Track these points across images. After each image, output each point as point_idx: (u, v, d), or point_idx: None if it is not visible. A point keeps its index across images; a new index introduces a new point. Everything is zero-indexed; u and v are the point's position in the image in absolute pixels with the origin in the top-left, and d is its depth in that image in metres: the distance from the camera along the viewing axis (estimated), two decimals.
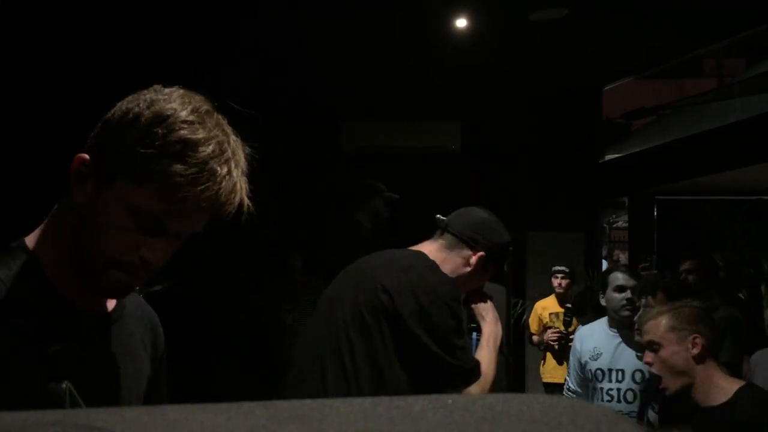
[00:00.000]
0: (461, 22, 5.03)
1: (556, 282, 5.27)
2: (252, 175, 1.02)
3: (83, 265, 0.99)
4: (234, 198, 0.97)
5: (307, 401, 0.37)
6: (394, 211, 4.23)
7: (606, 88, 6.97)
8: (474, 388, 2.00)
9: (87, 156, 0.98)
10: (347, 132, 7.00)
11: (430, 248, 2.11)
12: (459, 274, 2.06)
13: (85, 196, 0.98)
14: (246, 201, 1.00)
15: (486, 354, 2.11)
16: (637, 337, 2.62)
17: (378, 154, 6.92)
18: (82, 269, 0.99)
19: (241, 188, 0.98)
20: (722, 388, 2.02)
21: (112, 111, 1.00)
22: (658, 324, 2.11)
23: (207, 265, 5.75)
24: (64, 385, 0.91)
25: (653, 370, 2.14)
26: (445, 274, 2.01)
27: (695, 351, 2.04)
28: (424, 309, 1.90)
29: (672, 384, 2.08)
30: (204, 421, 0.35)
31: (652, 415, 2.68)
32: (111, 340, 1.07)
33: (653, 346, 2.11)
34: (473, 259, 2.07)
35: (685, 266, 4.03)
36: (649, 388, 2.73)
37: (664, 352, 2.07)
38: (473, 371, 2.01)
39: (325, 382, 1.90)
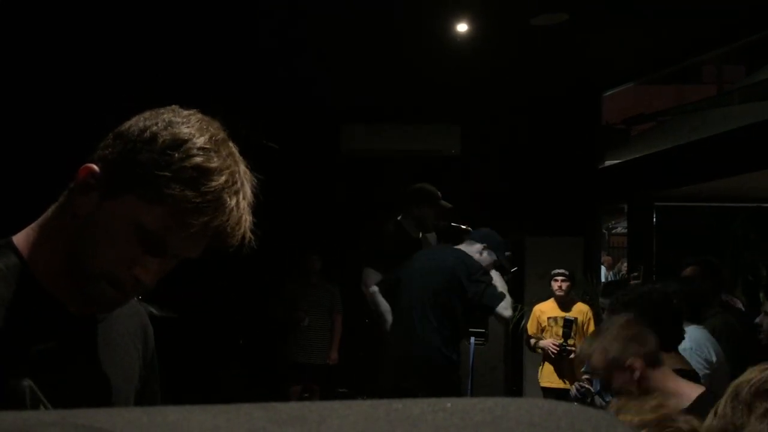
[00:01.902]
0: (462, 27, 5.04)
1: (556, 285, 5.24)
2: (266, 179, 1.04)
3: (76, 274, 0.99)
4: (238, 230, 0.98)
5: (307, 403, 0.37)
6: (445, 219, 4.20)
7: (606, 94, 6.98)
8: (506, 303, 3.58)
9: (96, 167, 0.98)
10: (346, 135, 7.00)
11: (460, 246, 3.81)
12: None
13: (89, 206, 0.97)
14: (248, 234, 1.01)
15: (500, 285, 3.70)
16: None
17: (378, 157, 6.93)
18: (73, 277, 0.99)
19: (246, 220, 1.00)
20: (683, 394, 2.03)
21: (128, 125, 1.00)
22: (596, 360, 2.11)
23: (220, 267, 5.77)
24: (25, 383, 0.90)
25: None
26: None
27: (637, 374, 2.05)
28: (471, 274, 3.58)
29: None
30: (203, 423, 0.35)
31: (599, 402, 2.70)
32: (99, 338, 1.06)
33: (605, 381, 2.11)
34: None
35: (685, 273, 4.01)
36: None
37: (615, 383, 2.07)
38: (501, 295, 3.59)
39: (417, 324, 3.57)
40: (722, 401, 1.32)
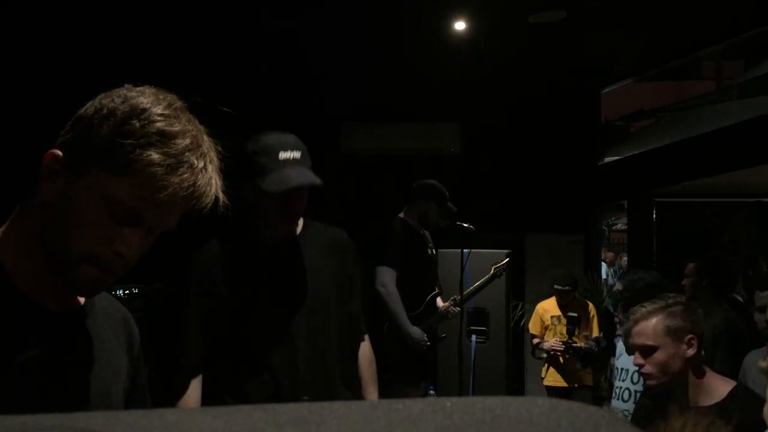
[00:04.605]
0: (460, 25, 5.04)
1: (559, 298, 5.15)
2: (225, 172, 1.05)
3: (55, 262, 0.98)
4: (210, 190, 0.99)
5: (306, 404, 0.37)
6: (448, 219, 4.14)
7: (605, 91, 6.98)
8: None
9: (59, 152, 0.98)
10: (346, 133, 7.00)
11: None
12: None
13: (56, 192, 0.97)
14: (221, 196, 1.02)
15: None
16: (625, 340, 2.56)
17: (377, 155, 6.92)
18: (53, 266, 0.98)
19: (216, 183, 1.01)
20: (715, 388, 2.02)
21: (84, 108, 1.01)
22: (652, 326, 2.04)
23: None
24: None
25: (645, 370, 2.08)
26: None
27: (691, 352, 2.01)
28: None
29: (660, 379, 2.05)
30: (202, 425, 0.35)
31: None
32: (81, 337, 1.06)
33: (646, 349, 2.05)
34: None
35: (687, 270, 3.98)
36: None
37: (659, 355, 2.02)
38: None
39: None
40: None
